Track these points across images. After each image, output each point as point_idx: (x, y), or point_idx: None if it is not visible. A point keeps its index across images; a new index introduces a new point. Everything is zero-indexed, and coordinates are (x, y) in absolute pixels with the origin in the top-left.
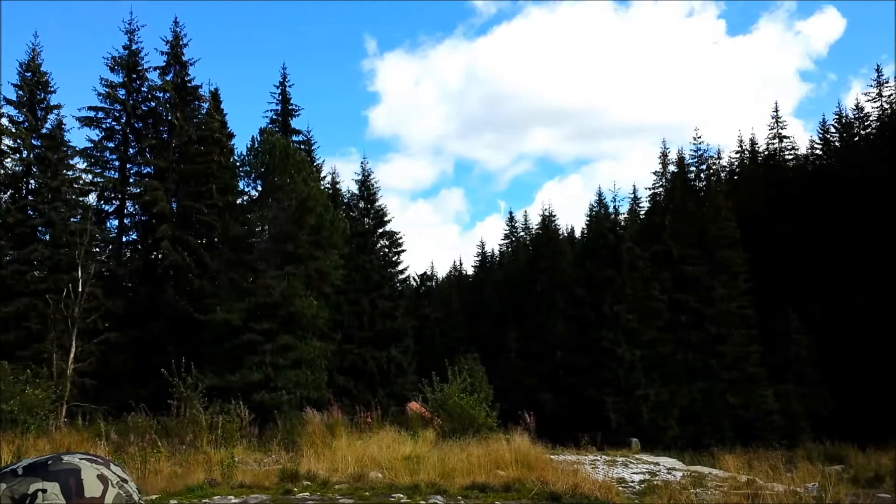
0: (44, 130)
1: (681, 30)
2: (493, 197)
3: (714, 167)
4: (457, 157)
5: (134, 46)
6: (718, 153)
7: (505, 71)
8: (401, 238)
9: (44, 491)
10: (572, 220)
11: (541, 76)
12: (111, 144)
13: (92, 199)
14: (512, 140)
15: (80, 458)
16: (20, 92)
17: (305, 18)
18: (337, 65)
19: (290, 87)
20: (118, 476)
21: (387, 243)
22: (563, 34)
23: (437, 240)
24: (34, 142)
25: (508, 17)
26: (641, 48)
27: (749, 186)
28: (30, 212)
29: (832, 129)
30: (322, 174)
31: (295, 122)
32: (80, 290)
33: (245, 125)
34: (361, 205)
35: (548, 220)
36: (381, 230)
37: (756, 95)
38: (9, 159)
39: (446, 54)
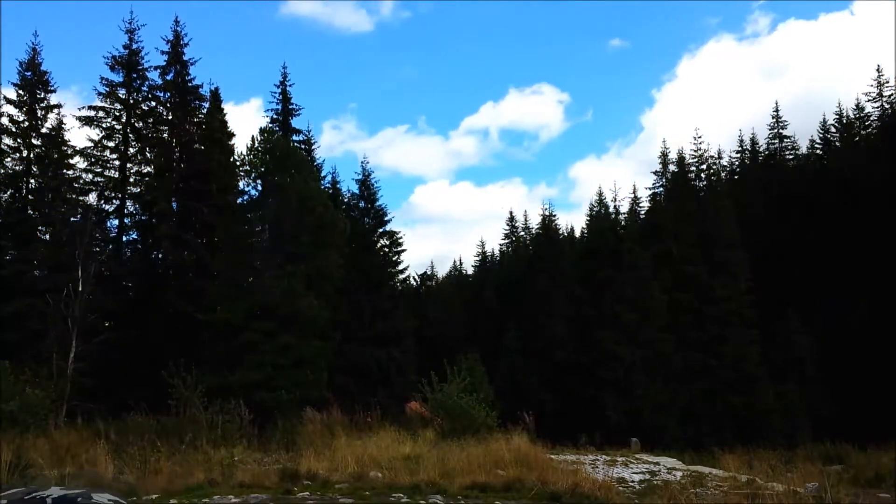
0: (44, 130)
1: None
2: None
3: (714, 167)
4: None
5: (134, 46)
6: (718, 153)
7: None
8: (401, 238)
9: None
10: (572, 219)
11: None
12: (111, 144)
13: (92, 198)
14: None
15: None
16: (20, 91)
17: None
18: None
19: (290, 86)
20: None
21: (387, 243)
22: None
23: None
24: (34, 141)
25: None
26: None
27: (749, 186)
28: (30, 211)
29: (832, 129)
30: (322, 174)
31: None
32: (80, 289)
33: (245, 125)
34: (361, 205)
35: (548, 220)
36: (381, 230)
37: None
38: (9, 159)
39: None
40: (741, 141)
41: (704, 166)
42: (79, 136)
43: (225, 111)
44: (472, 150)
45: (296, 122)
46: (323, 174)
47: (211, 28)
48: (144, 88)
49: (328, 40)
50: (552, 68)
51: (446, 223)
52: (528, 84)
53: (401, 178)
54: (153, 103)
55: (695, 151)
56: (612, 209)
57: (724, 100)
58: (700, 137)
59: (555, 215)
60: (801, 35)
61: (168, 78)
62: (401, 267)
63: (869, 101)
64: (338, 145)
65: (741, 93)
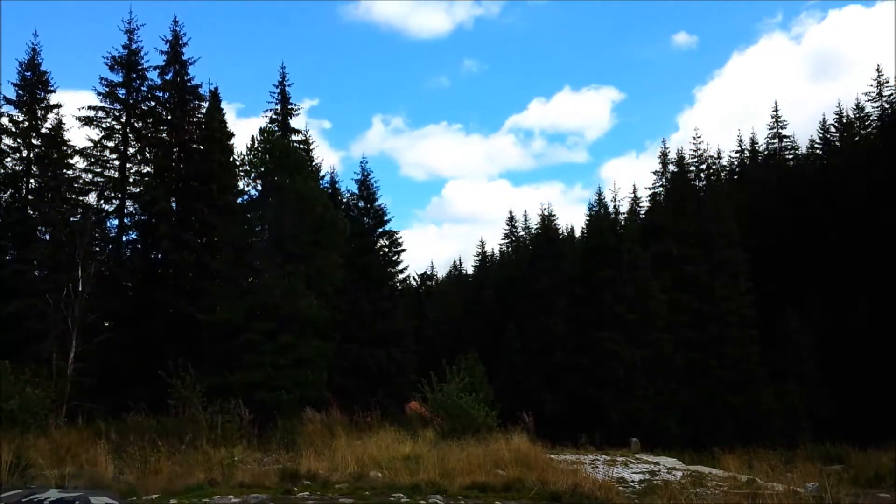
0: (44, 130)
1: None
2: None
3: (714, 167)
4: None
5: (133, 46)
6: (718, 153)
7: None
8: (400, 238)
9: None
10: (572, 219)
11: None
12: (111, 144)
13: (92, 198)
14: None
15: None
16: (20, 91)
17: None
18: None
19: (289, 86)
20: None
21: (387, 243)
22: None
23: None
24: (34, 141)
25: None
26: None
27: (749, 186)
28: (30, 211)
29: (832, 129)
30: (321, 173)
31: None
32: (80, 289)
33: (245, 124)
34: (361, 204)
35: (547, 220)
36: (380, 230)
37: None
38: (9, 159)
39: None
40: (740, 140)
41: (704, 166)
42: (79, 136)
43: (224, 111)
44: (514, 150)
45: (295, 122)
46: (322, 174)
47: (213, 28)
48: (144, 88)
49: (396, 40)
50: (609, 68)
51: (474, 223)
52: (584, 84)
53: (438, 176)
54: (153, 103)
55: (694, 151)
56: (611, 209)
57: (762, 100)
58: (699, 137)
59: (554, 215)
60: (850, 29)
61: (167, 78)
62: (400, 267)
63: (869, 100)
64: (379, 142)
65: (784, 93)
